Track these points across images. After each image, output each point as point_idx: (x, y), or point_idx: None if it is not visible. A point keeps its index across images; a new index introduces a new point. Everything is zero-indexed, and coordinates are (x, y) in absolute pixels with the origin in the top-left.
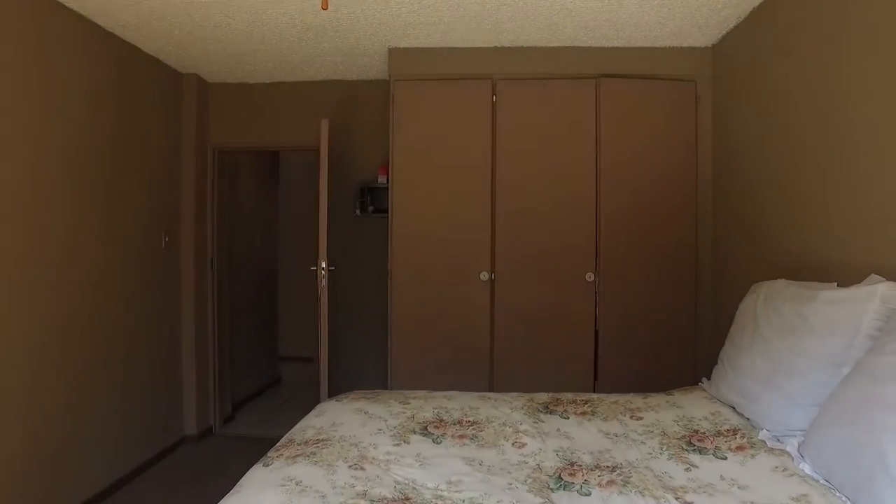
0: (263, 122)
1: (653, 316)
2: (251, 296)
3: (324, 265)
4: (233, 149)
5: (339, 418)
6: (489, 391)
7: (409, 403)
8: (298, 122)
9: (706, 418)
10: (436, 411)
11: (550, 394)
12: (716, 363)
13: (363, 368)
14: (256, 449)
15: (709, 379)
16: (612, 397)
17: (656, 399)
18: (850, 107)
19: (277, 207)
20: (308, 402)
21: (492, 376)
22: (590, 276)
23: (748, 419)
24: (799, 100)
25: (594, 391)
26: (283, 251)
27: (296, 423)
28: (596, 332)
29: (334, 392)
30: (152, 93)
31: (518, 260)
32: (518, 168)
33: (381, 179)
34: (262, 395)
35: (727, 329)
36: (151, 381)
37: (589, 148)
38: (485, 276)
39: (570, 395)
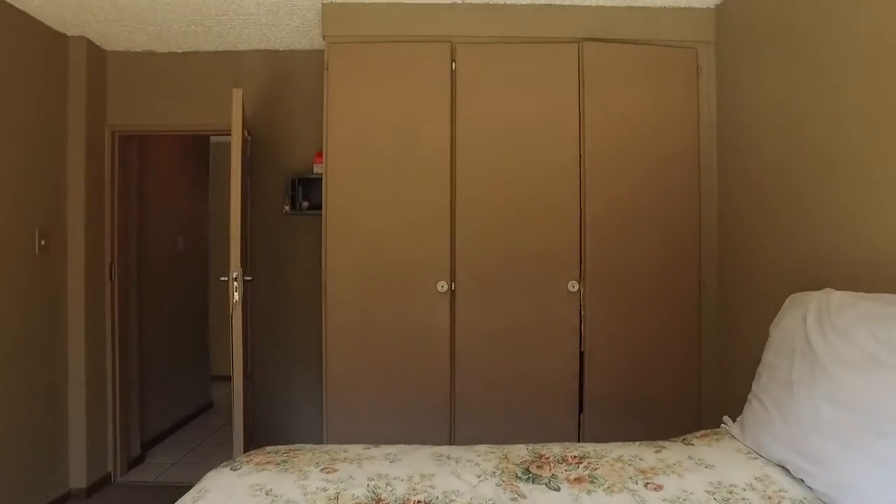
0: (176, 100)
1: (651, 332)
2: (173, 308)
3: (236, 274)
4: (137, 132)
5: None
6: (449, 431)
7: (335, 471)
8: (219, 100)
9: (752, 487)
10: (372, 485)
11: (530, 447)
12: (728, 392)
13: (295, 402)
14: (166, 501)
15: (733, 420)
16: (614, 449)
17: (673, 453)
18: None
19: (208, 205)
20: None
21: (452, 411)
22: (573, 286)
23: (811, 489)
24: (833, 66)
25: (579, 427)
26: (218, 255)
27: (222, 462)
28: (581, 353)
29: (260, 436)
30: (21, 59)
31: (484, 266)
32: (484, 152)
33: (318, 169)
34: (188, 426)
35: (740, 350)
36: (22, 422)
37: (570, 128)
38: (443, 286)
39: (556, 449)
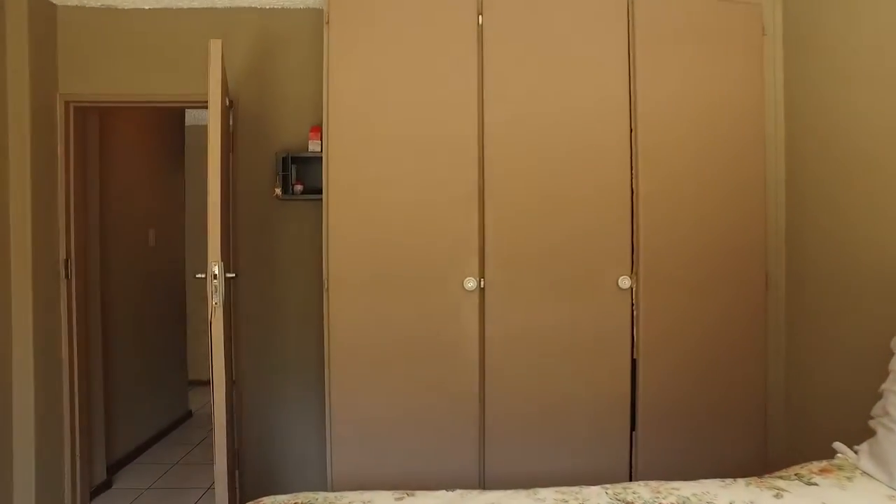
0: (143, 66)
1: (712, 334)
2: (143, 309)
3: (216, 270)
4: (96, 103)
5: None
6: (479, 454)
7: None
8: (194, 67)
9: None
10: None
11: (610, 489)
12: (798, 405)
13: (290, 419)
14: None
15: (852, 449)
16: (718, 493)
17: (800, 499)
18: None
19: (184, 192)
20: None
21: (482, 431)
22: (624, 282)
23: None
24: None
25: (632, 447)
26: (194, 250)
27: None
28: (633, 361)
29: (247, 461)
30: None
31: (519, 259)
32: (516, 125)
33: (314, 146)
34: (163, 441)
35: (811, 356)
36: None
37: (620, 95)
38: (471, 283)
39: (646, 494)
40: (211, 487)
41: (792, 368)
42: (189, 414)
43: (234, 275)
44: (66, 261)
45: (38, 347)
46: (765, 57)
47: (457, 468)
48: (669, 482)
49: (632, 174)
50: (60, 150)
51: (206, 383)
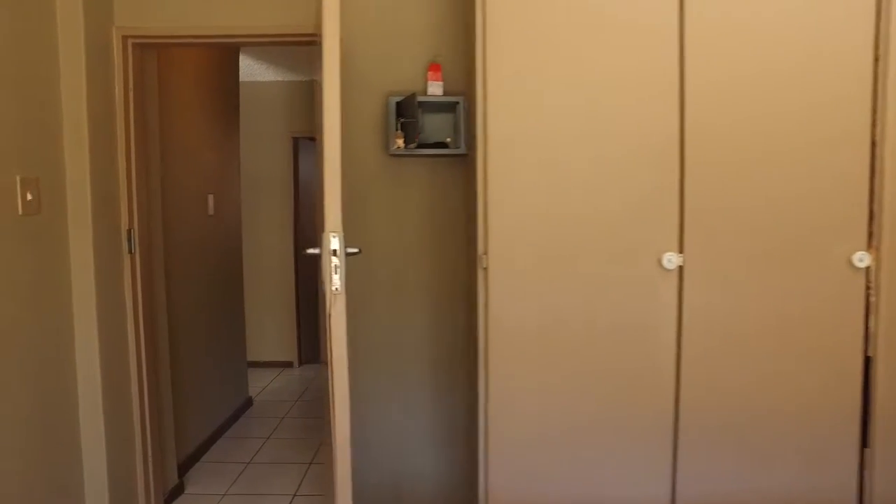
0: None
1: None
2: (205, 286)
3: (335, 245)
4: (160, 38)
5: None
6: (671, 468)
7: None
8: None
9: None
10: None
11: None
12: None
13: (394, 426)
14: None
15: None
16: None
17: None
18: None
19: (238, 148)
20: (298, 448)
21: (675, 442)
22: (861, 259)
23: None
24: None
25: (862, 468)
26: (251, 220)
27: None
28: (867, 359)
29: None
30: None
31: (721, 230)
32: (724, 54)
33: (434, 88)
34: (227, 435)
35: None
36: (15, 454)
37: (860, 15)
38: (670, 260)
39: None
40: (297, 494)
41: None
42: (249, 401)
43: (357, 250)
44: (129, 232)
45: (104, 335)
46: None
47: (642, 487)
48: None
49: (873, 122)
50: (119, 96)
51: (262, 365)
